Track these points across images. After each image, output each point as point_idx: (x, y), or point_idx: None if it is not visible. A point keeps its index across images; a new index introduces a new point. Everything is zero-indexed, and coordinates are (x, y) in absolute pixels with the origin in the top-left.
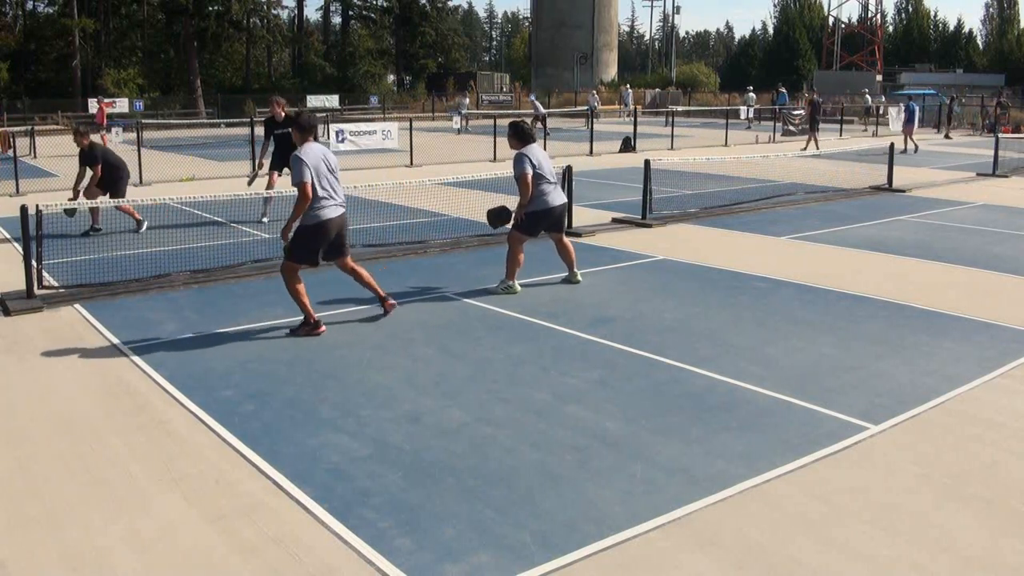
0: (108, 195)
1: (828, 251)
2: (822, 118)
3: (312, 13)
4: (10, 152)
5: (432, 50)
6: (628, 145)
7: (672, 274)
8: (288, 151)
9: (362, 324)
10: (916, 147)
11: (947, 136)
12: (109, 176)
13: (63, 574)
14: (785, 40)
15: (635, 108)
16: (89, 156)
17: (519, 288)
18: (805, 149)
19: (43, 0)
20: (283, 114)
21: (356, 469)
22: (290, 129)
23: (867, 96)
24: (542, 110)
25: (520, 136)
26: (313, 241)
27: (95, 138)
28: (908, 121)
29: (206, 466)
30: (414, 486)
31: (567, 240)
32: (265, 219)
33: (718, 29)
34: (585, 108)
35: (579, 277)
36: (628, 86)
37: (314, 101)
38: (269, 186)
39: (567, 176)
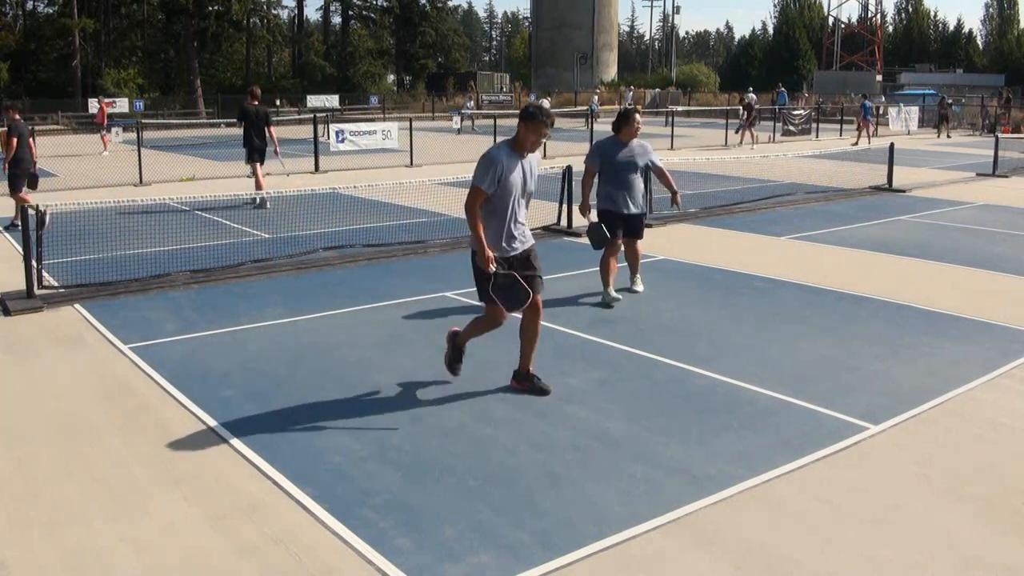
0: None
1: (828, 251)
2: (824, 118)
3: (312, 13)
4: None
5: (432, 50)
6: None
7: (672, 274)
8: (255, 137)
9: (362, 323)
10: (868, 141)
11: (941, 136)
12: (15, 159)
13: (63, 574)
14: (785, 40)
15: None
16: (11, 129)
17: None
18: (747, 144)
19: (43, 0)
20: (255, 103)
21: (356, 469)
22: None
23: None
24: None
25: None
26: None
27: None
28: (863, 117)
29: (206, 466)
30: (414, 486)
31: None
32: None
33: (718, 29)
34: (585, 108)
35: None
36: (632, 87)
37: (314, 101)
38: (261, 183)
39: (567, 176)
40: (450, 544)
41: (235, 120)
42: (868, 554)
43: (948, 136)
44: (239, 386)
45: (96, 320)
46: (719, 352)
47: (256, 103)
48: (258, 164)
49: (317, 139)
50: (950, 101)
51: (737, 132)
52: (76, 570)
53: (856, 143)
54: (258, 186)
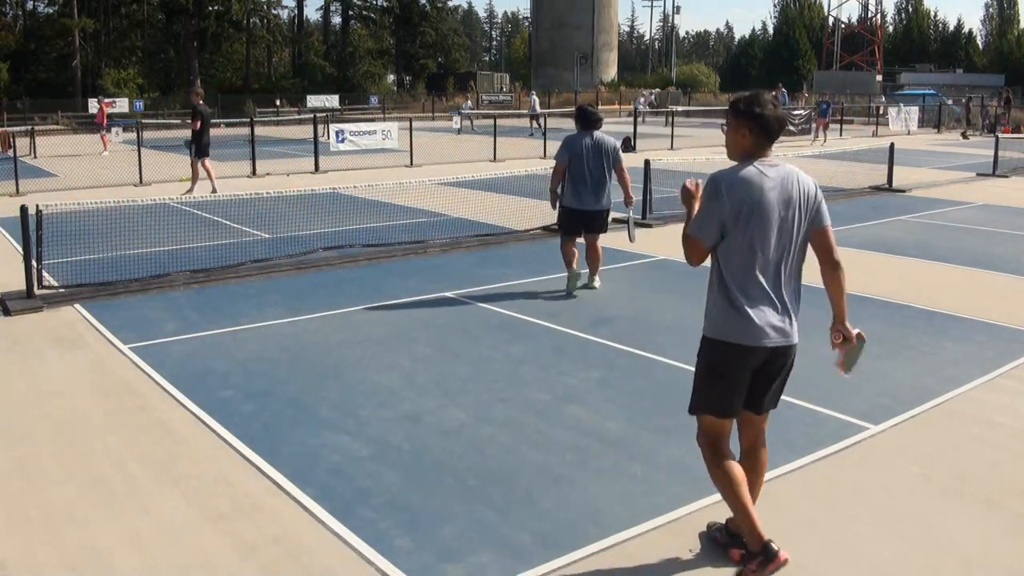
0: None
1: None
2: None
3: (312, 13)
4: (10, 152)
5: (432, 50)
6: (628, 145)
7: (672, 274)
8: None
9: (362, 323)
10: (824, 139)
11: (964, 136)
12: None
13: (63, 574)
14: (785, 40)
15: (646, 109)
16: None
17: (579, 273)
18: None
19: (43, 0)
20: (200, 102)
21: (356, 469)
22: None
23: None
24: (538, 109)
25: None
26: None
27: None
28: (821, 115)
29: (206, 466)
30: (414, 486)
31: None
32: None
33: (718, 29)
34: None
35: (596, 283)
36: (652, 91)
37: (314, 101)
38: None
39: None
40: (450, 544)
41: (189, 118)
42: (868, 554)
43: (966, 137)
44: (239, 386)
45: (96, 320)
46: None
47: (202, 101)
48: (207, 159)
49: (317, 139)
50: (964, 100)
51: (810, 135)
52: (76, 570)
53: (814, 141)
54: (197, 177)
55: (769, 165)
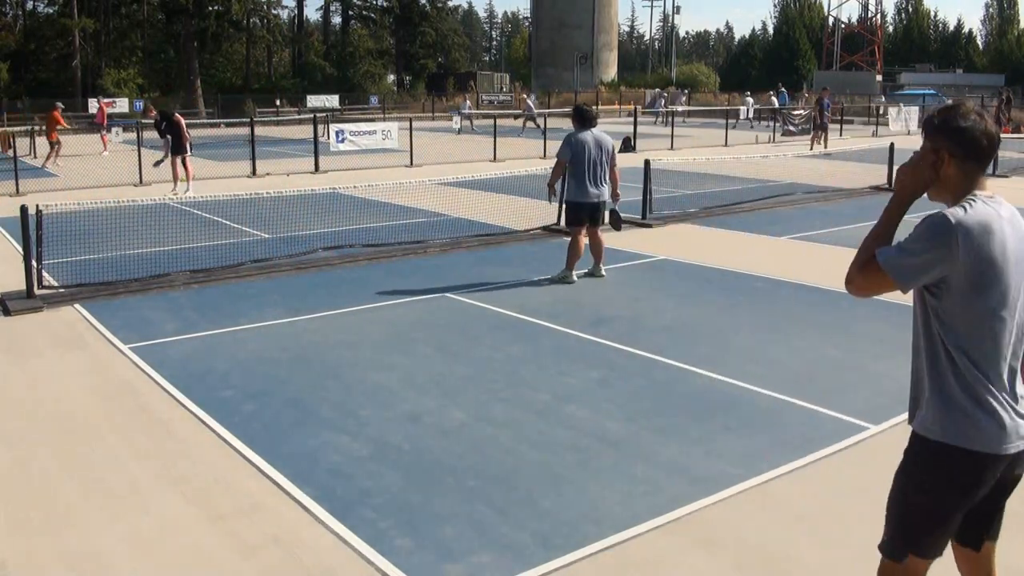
0: None
1: (828, 251)
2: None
3: (312, 13)
4: (10, 152)
5: (432, 50)
6: (628, 145)
7: (672, 274)
8: (176, 139)
9: (362, 323)
10: (824, 145)
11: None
12: None
13: (63, 574)
14: (785, 40)
15: (677, 107)
16: None
17: (575, 278)
18: (812, 148)
19: (43, 0)
20: (154, 113)
21: (356, 469)
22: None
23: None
24: (534, 110)
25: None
26: None
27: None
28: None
29: (206, 466)
30: (414, 486)
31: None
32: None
33: (718, 29)
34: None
35: (603, 272)
36: (685, 90)
37: (314, 101)
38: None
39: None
40: (450, 544)
41: (163, 125)
42: (868, 554)
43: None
44: (239, 386)
45: (96, 320)
46: (719, 352)
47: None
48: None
49: (317, 139)
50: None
51: (809, 135)
52: (76, 570)
53: (814, 144)
54: (191, 174)
55: (995, 201)
